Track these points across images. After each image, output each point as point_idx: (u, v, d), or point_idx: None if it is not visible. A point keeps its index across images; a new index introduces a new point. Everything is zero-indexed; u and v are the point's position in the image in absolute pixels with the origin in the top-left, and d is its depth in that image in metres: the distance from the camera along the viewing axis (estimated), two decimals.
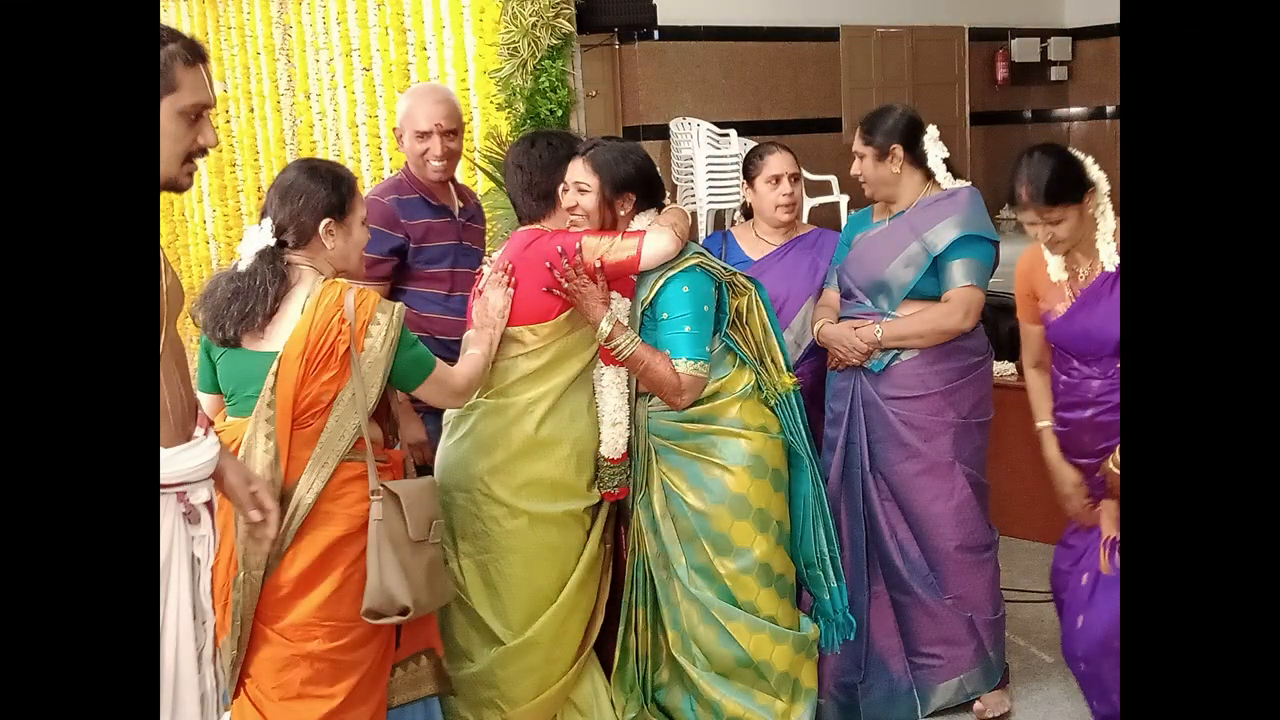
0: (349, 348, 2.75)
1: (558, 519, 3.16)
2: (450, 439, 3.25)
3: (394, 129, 3.95)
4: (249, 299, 2.79)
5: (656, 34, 6.97)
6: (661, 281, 3.15)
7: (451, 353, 3.28)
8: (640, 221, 3.21)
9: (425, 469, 3.31)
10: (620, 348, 3.09)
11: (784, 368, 3.26)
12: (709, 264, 3.20)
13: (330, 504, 2.78)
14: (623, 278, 3.15)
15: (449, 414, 3.28)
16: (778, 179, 3.72)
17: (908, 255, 3.43)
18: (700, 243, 3.54)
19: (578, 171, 3.19)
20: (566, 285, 3.08)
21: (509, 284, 3.13)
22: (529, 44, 5.94)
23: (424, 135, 3.69)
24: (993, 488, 3.69)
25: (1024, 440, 3.52)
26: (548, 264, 3.11)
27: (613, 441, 3.19)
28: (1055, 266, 3.14)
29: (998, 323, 4.43)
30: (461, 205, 3.82)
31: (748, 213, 3.85)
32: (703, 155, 6.85)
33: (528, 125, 5.77)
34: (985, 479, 3.62)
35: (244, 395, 2.86)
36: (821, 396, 3.60)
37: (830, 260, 3.71)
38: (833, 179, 7.33)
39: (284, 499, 2.73)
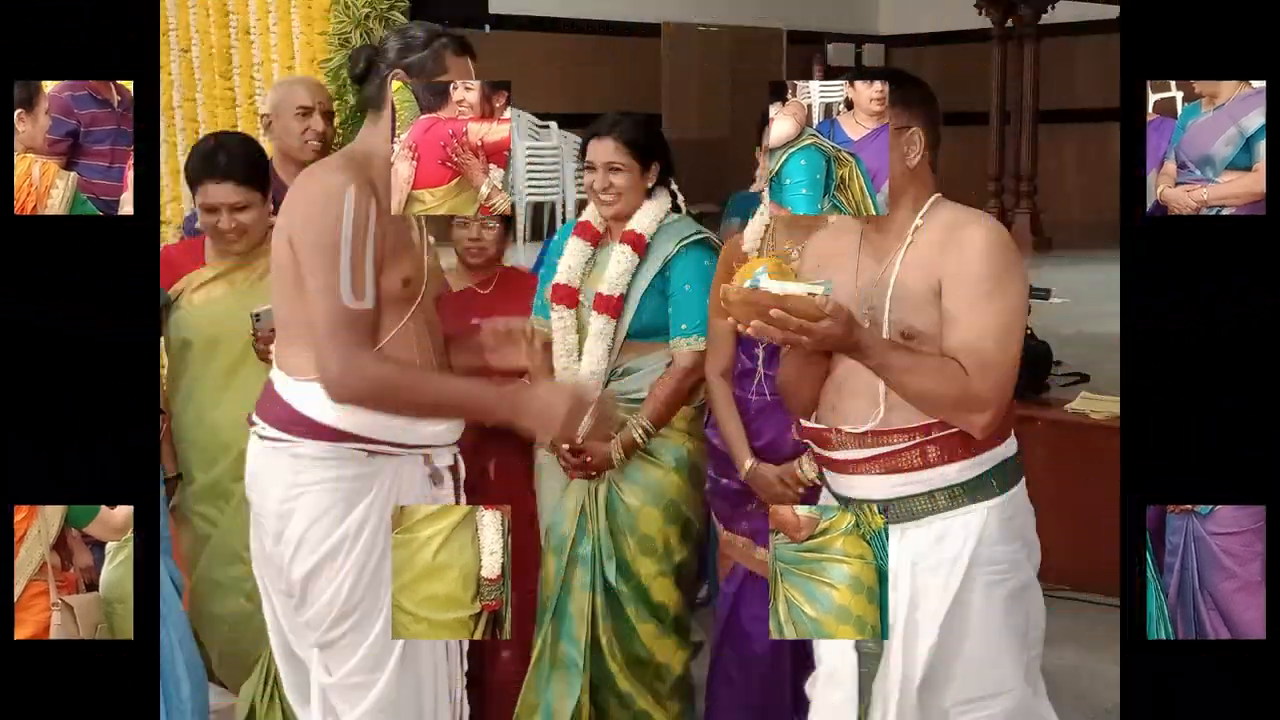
0: None
1: (449, 624, 3.95)
2: (110, 564, 4.05)
3: (262, 115, 4.46)
4: None
5: (488, 26, 6.92)
6: (785, 156, 3.95)
7: (111, 209, 4.26)
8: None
9: (93, 586, 4.09)
10: (496, 205, 3.78)
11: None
12: (821, 143, 4.00)
13: (21, 613, 3.55)
14: (498, 153, 3.85)
15: (110, 545, 4.07)
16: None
17: (1227, 136, 4.44)
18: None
19: (609, 152, 4.02)
20: (456, 159, 3.79)
21: (412, 158, 3.82)
22: (361, 35, 5.72)
23: (307, 111, 4.43)
24: None
25: None
26: (442, 143, 3.79)
27: (490, 565, 3.91)
28: None
29: None
30: (119, 99, 4.96)
31: (849, 104, 4.54)
32: (522, 147, 6.84)
33: (358, 118, 4.53)
34: None
35: None
36: (1162, 529, 4.42)
37: (1169, 140, 4.75)
38: None
39: None
